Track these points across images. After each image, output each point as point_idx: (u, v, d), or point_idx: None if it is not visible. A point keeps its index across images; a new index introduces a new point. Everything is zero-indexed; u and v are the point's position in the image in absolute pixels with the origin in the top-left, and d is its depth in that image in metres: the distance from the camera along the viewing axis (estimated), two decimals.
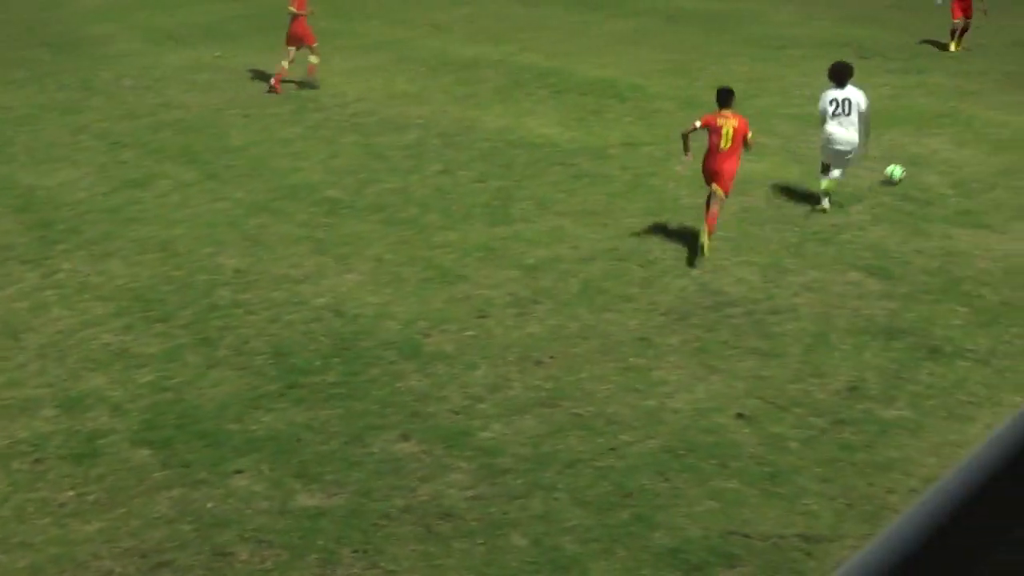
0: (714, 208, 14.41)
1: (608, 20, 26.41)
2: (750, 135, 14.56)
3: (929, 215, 15.58)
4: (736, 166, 14.60)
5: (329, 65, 22.71)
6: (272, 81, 21.48)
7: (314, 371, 11.77)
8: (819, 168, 15.96)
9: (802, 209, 15.72)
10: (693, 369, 11.74)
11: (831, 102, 15.71)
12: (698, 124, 14.52)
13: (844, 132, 15.66)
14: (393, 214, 15.72)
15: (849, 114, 15.62)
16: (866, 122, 15.77)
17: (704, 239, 14.22)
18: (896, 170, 16.65)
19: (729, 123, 14.39)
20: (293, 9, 21.66)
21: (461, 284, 13.68)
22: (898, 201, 16.03)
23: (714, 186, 14.42)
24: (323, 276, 13.88)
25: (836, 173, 15.81)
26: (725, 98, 14.57)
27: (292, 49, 21.60)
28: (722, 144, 14.36)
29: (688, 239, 14.77)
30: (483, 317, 12.89)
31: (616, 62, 22.97)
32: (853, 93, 15.72)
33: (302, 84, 21.73)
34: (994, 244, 14.71)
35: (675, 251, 14.47)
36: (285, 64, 21.52)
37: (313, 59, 21.66)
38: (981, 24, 25.20)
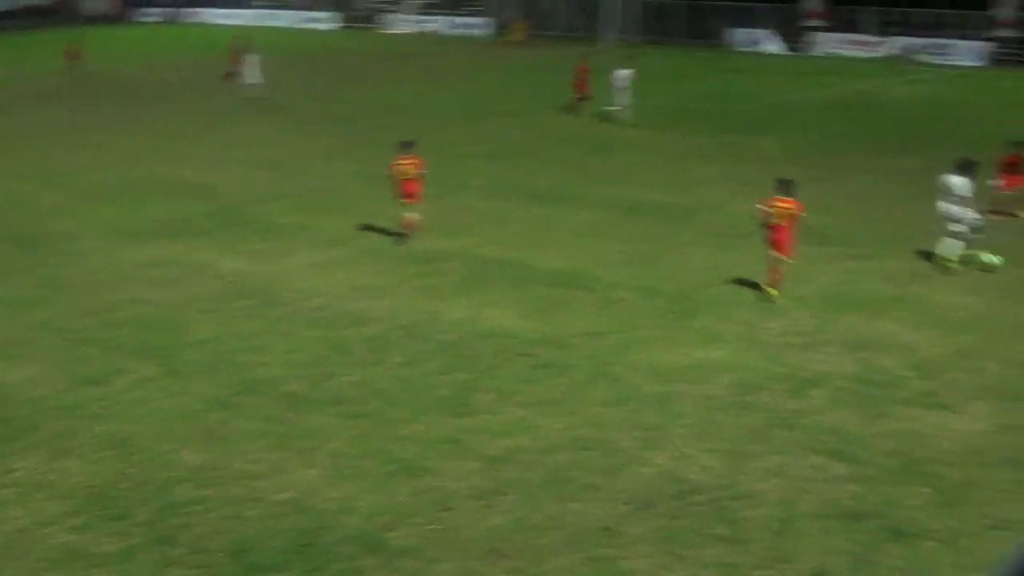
0: (777, 267, 19.92)
1: (569, 213, 26.73)
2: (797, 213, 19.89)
3: (889, 397, 15.67)
4: (788, 237, 19.86)
5: (293, 260, 22.91)
6: (405, 230, 24.46)
7: (274, 568, 11.60)
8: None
9: (763, 395, 15.77)
10: (660, 558, 11.63)
11: (942, 183, 21.84)
12: (762, 207, 20.18)
13: (946, 207, 21.65)
14: (355, 407, 15.66)
15: (950, 194, 21.60)
16: (963, 202, 21.55)
17: (771, 291, 19.97)
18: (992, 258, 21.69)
19: (782, 206, 19.79)
20: (412, 170, 24.29)
21: (424, 477, 13.58)
22: (857, 384, 16.13)
23: (772, 252, 19.92)
24: (284, 471, 13.75)
25: (951, 243, 21.62)
26: (781, 188, 20.00)
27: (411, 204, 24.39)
28: (774, 220, 19.80)
29: (651, 428, 14.77)
30: (447, 510, 12.77)
31: (577, 254, 23.21)
32: (958, 181, 21.51)
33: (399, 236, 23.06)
34: (954, 424, 14.77)
35: (638, 439, 14.45)
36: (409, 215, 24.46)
37: (415, 216, 24.19)
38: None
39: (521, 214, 26.77)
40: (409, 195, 24.26)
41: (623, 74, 40.91)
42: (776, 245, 19.86)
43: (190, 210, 27.59)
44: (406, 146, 24.61)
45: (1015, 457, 13.79)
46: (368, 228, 25.27)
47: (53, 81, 54.93)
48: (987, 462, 13.68)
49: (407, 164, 24.34)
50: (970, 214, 21.73)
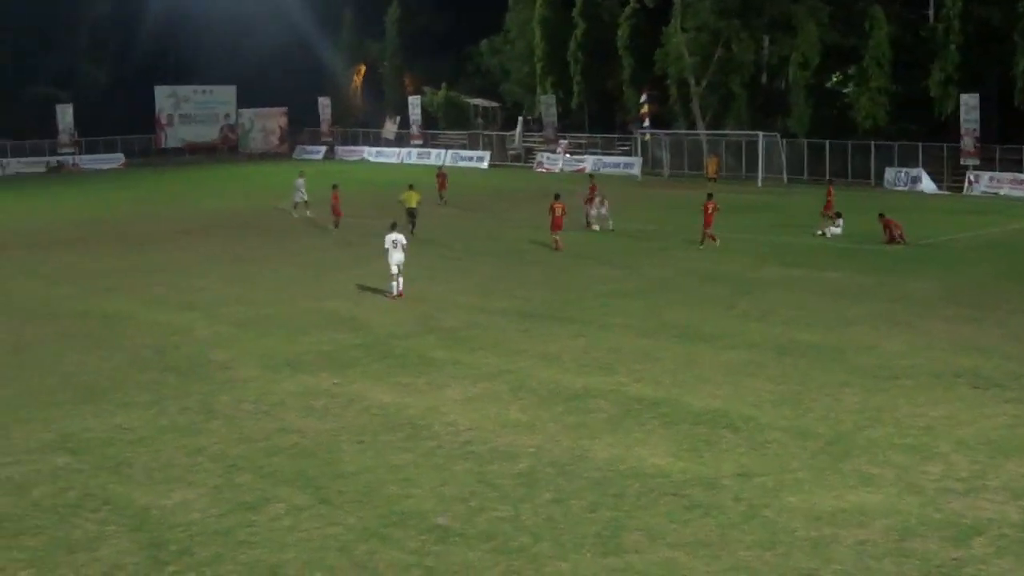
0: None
1: (720, 352, 26.55)
2: None
3: None
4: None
5: (443, 394, 23.08)
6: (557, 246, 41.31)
7: None
8: None
9: (922, 543, 15.32)
10: None
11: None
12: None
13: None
14: (503, 543, 15.61)
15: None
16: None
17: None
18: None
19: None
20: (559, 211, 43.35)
21: None
22: (1022, 533, 15.57)
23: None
24: None
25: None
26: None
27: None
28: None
29: (803, 573, 14.43)
30: None
31: (728, 393, 23.00)
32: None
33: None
34: None
35: None
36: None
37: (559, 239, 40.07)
38: None
39: (671, 352, 26.65)
40: (557, 227, 42.87)
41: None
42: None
43: (342, 342, 28.05)
44: (557, 196, 43.61)
45: None
46: (518, 364, 25.39)
47: (206, 215, 56.66)
48: None
49: (558, 206, 42.83)
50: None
